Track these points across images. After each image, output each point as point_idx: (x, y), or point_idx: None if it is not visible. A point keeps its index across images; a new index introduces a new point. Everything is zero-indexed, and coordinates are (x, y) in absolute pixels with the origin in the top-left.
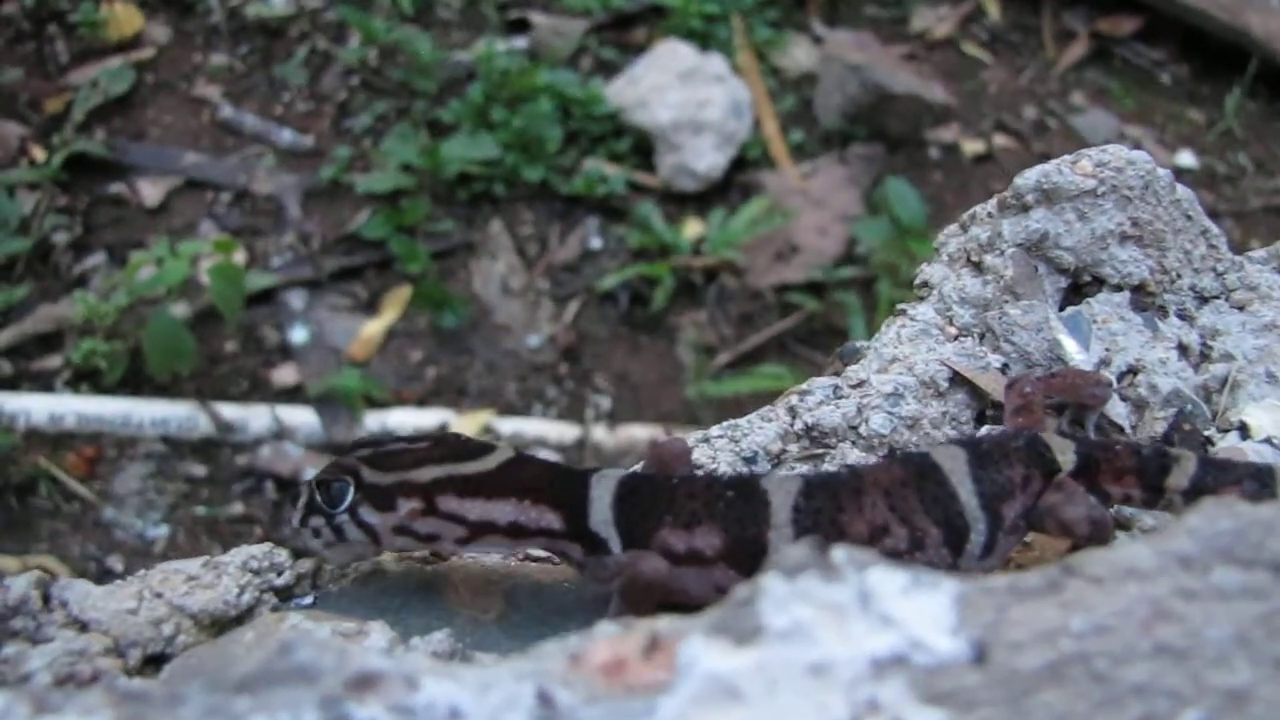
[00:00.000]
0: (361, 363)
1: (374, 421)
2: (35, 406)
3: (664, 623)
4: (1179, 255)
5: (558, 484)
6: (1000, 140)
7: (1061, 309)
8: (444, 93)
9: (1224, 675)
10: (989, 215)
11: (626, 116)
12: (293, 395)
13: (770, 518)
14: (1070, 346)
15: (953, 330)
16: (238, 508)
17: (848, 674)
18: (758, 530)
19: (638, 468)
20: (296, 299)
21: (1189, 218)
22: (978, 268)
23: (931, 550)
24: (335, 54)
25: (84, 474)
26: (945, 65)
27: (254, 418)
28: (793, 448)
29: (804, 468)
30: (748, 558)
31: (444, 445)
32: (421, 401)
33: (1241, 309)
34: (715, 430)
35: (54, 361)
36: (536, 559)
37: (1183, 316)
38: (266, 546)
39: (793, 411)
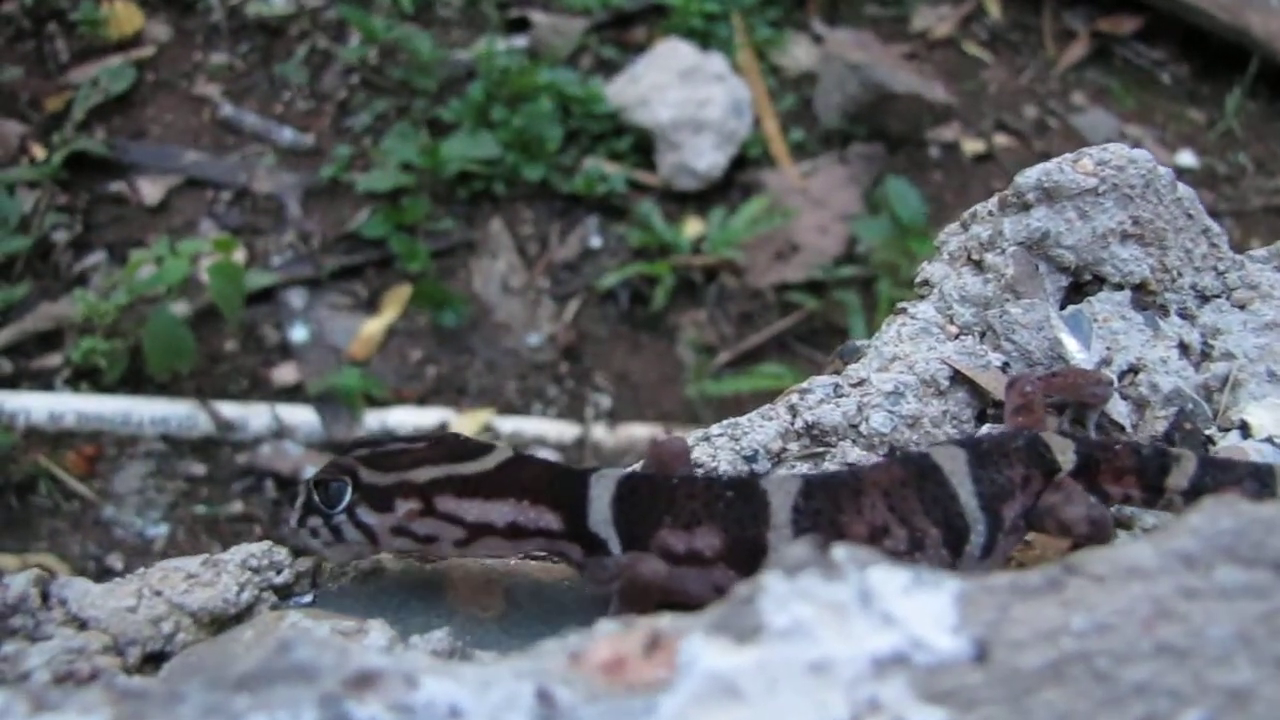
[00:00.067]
0: (361, 361)
1: (374, 420)
2: (35, 405)
3: (664, 621)
4: (1180, 254)
5: (557, 484)
6: (1001, 140)
7: (1062, 308)
8: (444, 91)
9: (1226, 674)
10: (990, 214)
11: (627, 115)
12: (293, 394)
13: (770, 518)
14: (1071, 345)
15: (953, 329)
16: (237, 506)
17: (848, 673)
18: (757, 531)
19: (637, 467)
20: (296, 298)
21: (1190, 216)
22: (979, 266)
23: (931, 551)
24: (335, 53)
25: (84, 472)
26: (946, 64)
27: (254, 416)
28: (793, 446)
29: (805, 466)
30: (747, 558)
31: (442, 445)
32: (421, 400)
33: (1243, 308)
34: (716, 429)
35: (54, 360)
36: (536, 557)
37: (1184, 315)
38: (266, 545)
39: (793, 410)
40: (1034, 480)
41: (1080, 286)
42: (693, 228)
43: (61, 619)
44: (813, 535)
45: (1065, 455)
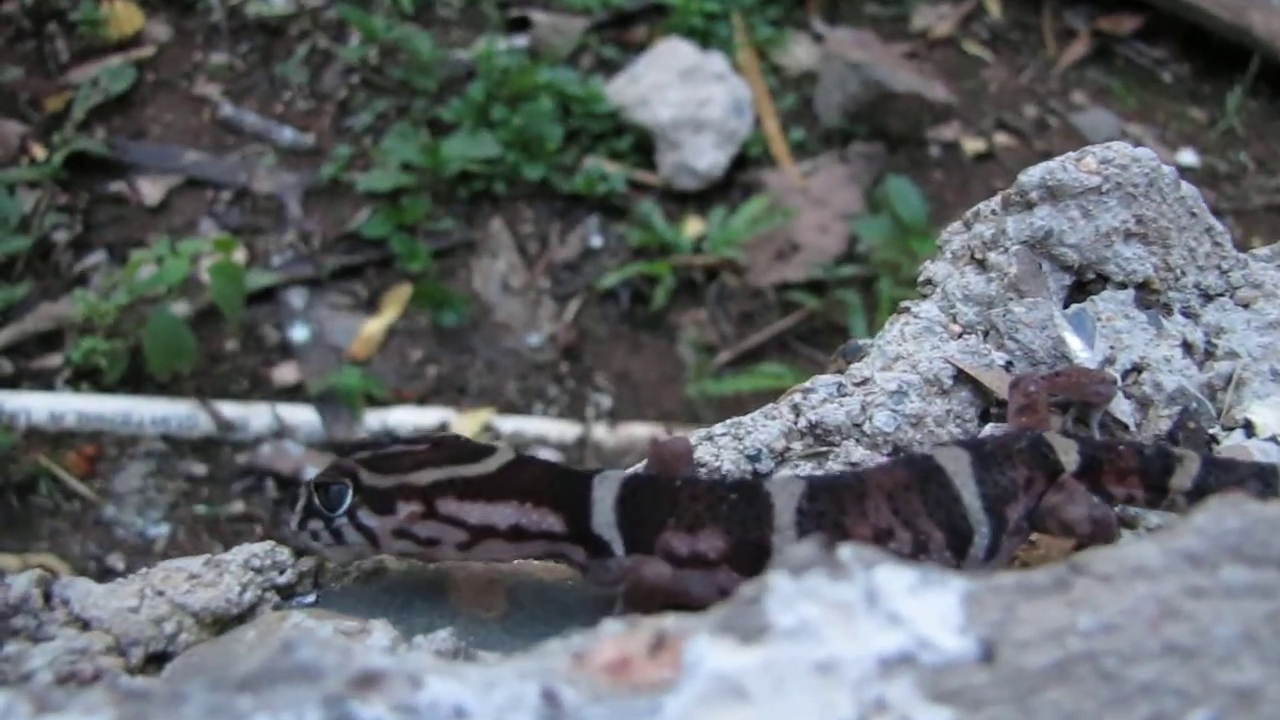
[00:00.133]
0: (362, 361)
1: (374, 420)
2: (35, 405)
3: (669, 621)
4: (1183, 252)
5: (559, 486)
6: (1001, 139)
7: (1066, 306)
8: (444, 91)
9: (1232, 674)
10: (993, 212)
11: (627, 115)
12: (293, 394)
13: (773, 520)
14: (1075, 344)
15: (957, 328)
16: (238, 506)
17: (855, 673)
18: (761, 533)
19: (639, 467)
20: (297, 297)
21: (1193, 215)
22: (982, 265)
23: (935, 554)
24: (335, 52)
25: (84, 472)
26: (946, 64)
27: (254, 416)
28: (796, 445)
29: (808, 466)
30: (751, 561)
31: (444, 447)
32: (422, 400)
33: (1246, 306)
34: (719, 428)
35: (54, 360)
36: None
37: (1187, 314)
38: (268, 545)
39: (796, 409)
40: (1037, 481)
41: (1084, 285)
42: (693, 227)
43: (64, 619)
44: (818, 535)
45: (1068, 456)
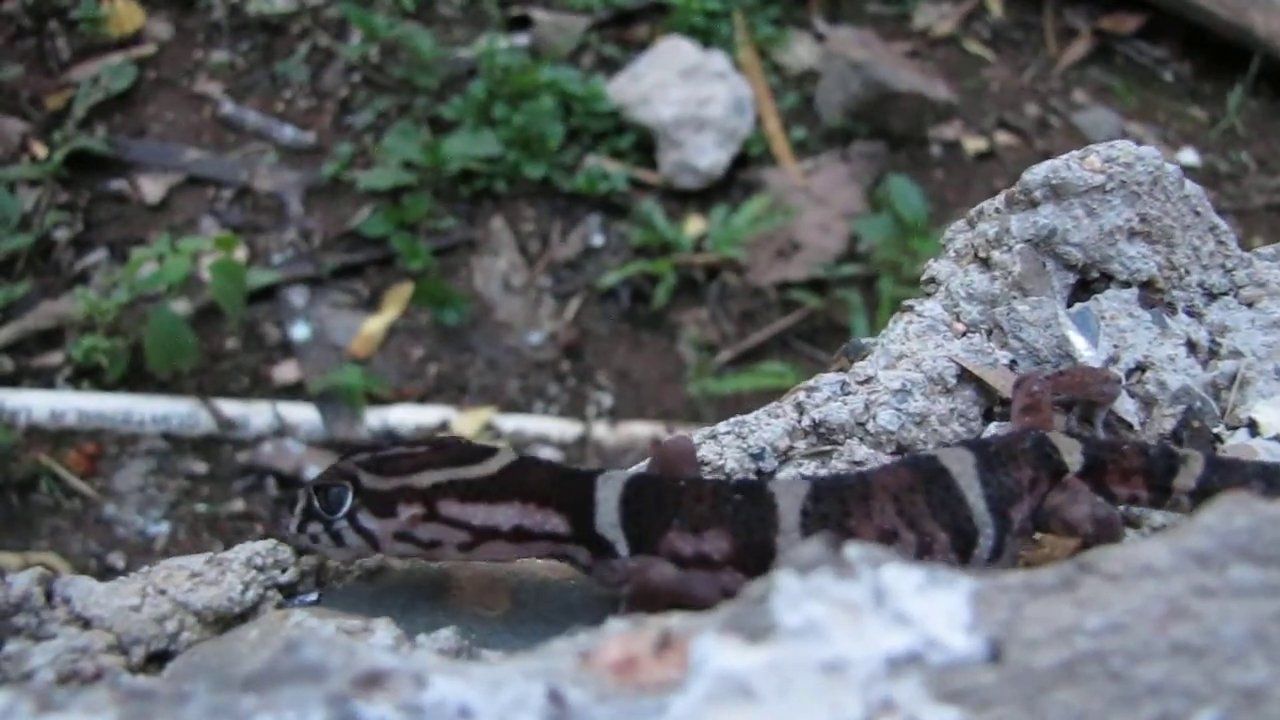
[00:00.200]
0: (363, 360)
1: (375, 418)
2: (36, 403)
3: (676, 620)
4: (1187, 251)
5: (562, 487)
6: (1002, 138)
7: (1070, 305)
8: (445, 89)
9: (1240, 673)
10: (997, 211)
11: (628, 113)
12: (294, 392)
13: (778, 522)
14: (1079, 343)
15: (960, 326)
16: (239, 505)
17: (862, 672)
18: (765, 535)
19: (641, 467)
20: (298, 296)
21: (1197, 214)
22: (985, 264)
23: (940, 555)
24: (337, 51)
25: (85, 471)
26: (947, 63)
27: (255, 415)
28: (800, 444)
29: (812, 464)
30: (755, 562)
31: (445, 449)
32: (423, 399)
33: (1250, 305)
34: (722, 427)
35: (55, 358)
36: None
37: (1191, 313)
38: (270, 543)
39: (800, 408)
40: (1041, 482)
41: (1087, 284)
42: (694, 226)
43: (65, 618)
44: (825, 534)
45: (1072, 456)
